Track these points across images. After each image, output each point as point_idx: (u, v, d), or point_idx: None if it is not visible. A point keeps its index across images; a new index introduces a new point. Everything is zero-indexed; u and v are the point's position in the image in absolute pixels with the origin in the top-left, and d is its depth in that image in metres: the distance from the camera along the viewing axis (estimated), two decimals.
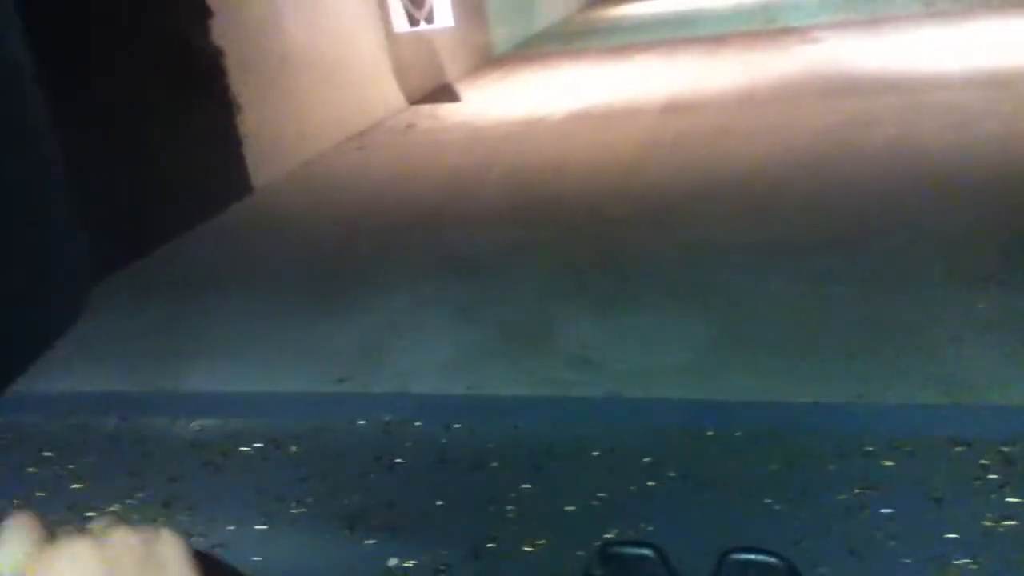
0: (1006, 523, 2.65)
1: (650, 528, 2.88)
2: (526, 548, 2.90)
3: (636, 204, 5.86)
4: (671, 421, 3.45)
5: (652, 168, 6.62)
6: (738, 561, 0.71)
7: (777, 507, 2.90)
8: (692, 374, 3.69)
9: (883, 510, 2.81)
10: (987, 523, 2.66)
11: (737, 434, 3.30)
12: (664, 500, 3.02)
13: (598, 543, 0.69)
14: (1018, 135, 6.16)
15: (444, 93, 10.66)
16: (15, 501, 3.40)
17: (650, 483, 3.11)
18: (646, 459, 3.23)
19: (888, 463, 3.07)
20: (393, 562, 2.90)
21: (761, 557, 0.71)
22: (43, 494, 3.49)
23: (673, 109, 8.46)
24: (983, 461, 2.95)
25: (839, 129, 6.91)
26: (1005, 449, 3.00)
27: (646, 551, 0.68)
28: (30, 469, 3.62)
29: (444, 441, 3.55)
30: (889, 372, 3.52)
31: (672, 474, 3.14)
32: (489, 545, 2.93)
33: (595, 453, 3.33)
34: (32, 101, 0.79)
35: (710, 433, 3.33)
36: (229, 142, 7.18)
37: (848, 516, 2.80)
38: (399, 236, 5.85)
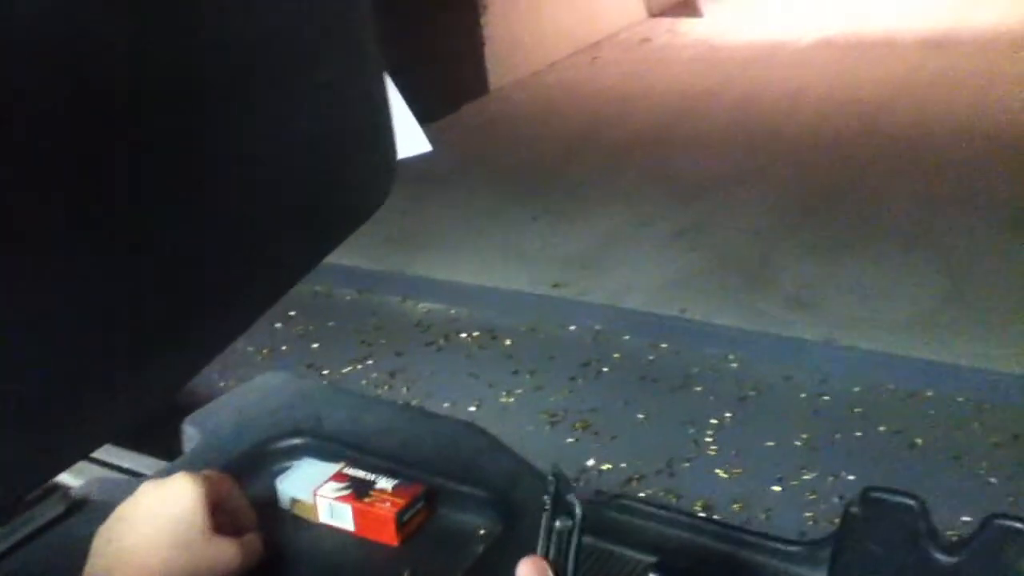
0: None
1: (850, 478, 2.86)
2: (720, 473, 2.96)
3: (880, 147, 5.53)
4: (888, 376, 3.34)
5: (902, 110, 6.19)
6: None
7: (992, 480, 2.78)
8: (914, 330, 3.53)
9: None
10: None
11: (960, 399, 3.16)
12: (869, 453, 2.98)
13: (864, 487, 0.73)
14: None
15: (685, 7, 10.34)
16: (262, 351, 3.84)
17: (857, 433, 3.07)
18: (857, 409, 3.18)
19: None
20: (590, 463, 3.05)
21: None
22: (285, 348, 3.91)
23: (932, 44, 7.80)
24: None
25: None
26: None
27: (910, 501, 0.71)
28: (276, 325, 4.04)
29: (651, 358, 3.63)
30: None
31: (882, 428, 3.07)
32: (683, 465, 3.01)
33: (803, 395, 3.30)
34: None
35: (929, 394, 3.21)
36: (471, 42, 7.37)
37: None
38: (623, 152, 5.86)
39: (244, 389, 1.16)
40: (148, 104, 0.63)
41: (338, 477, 0.94)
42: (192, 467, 1.01)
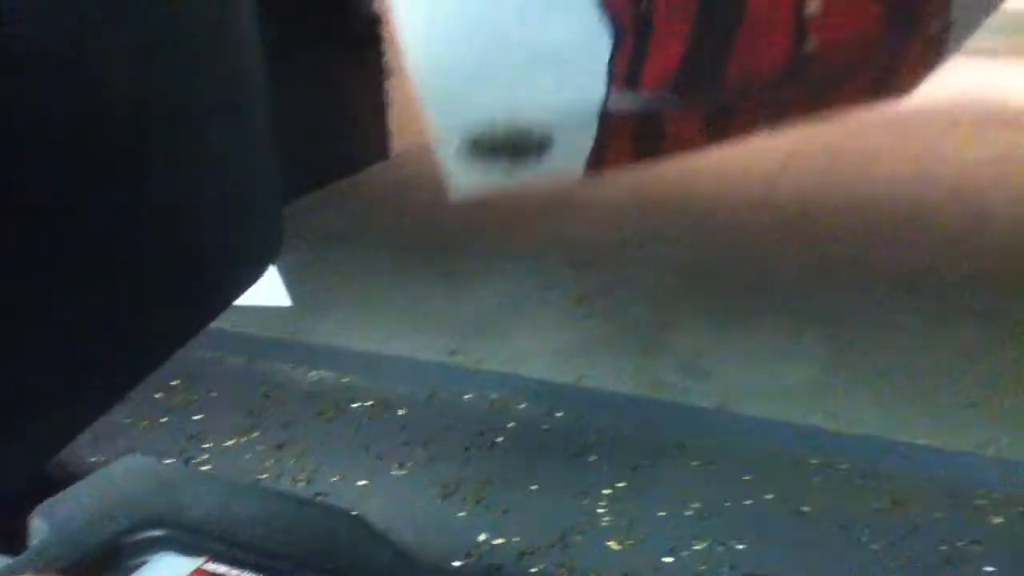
0: None
1: (740, 547, 2.88)
2: (612, 545, 2.93)
3: (771, 217, 5.74)
4: (777, 443, 3.41)
5: (790, 183, 6.47)
6: None
7: (874, 546, 2.85)
8: (803, 398, 3.63)
9: (986, 568, 2.73)
10: None
11: (844, 466, 3.24)
12: (758, 521, 3.01)
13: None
14: None
15: None
16: (141, 423, 3.65)
17: (747, 502, 3.10)
18: (746, 477, 3.22)
19: (998, 520, 2.97)
20: (482, 537, 2.98)
21: None
22: (166, 419, 3.72)
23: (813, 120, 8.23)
24: None
25: (999, 162, 6.60)
26: None
27: None
28: (157, 395, 3.85)
29: (546, 427, 3.61)
30: (1016, 428, 3.38)
31: (770, 496, 3.11)
32: (576, 537, 2.98)
33: (695, 463, 3.33)
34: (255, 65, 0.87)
35: (815, 461, 3.28)
36: (375, 107, 7.38)
37: (948, 567, 2.73)
38: (523, 218, 5.91)
39: (100, 476, 1.07)
40: (44, 166, 0.58)
41: (198, 574, 0.87)
42: (37, 564, 0.92)
